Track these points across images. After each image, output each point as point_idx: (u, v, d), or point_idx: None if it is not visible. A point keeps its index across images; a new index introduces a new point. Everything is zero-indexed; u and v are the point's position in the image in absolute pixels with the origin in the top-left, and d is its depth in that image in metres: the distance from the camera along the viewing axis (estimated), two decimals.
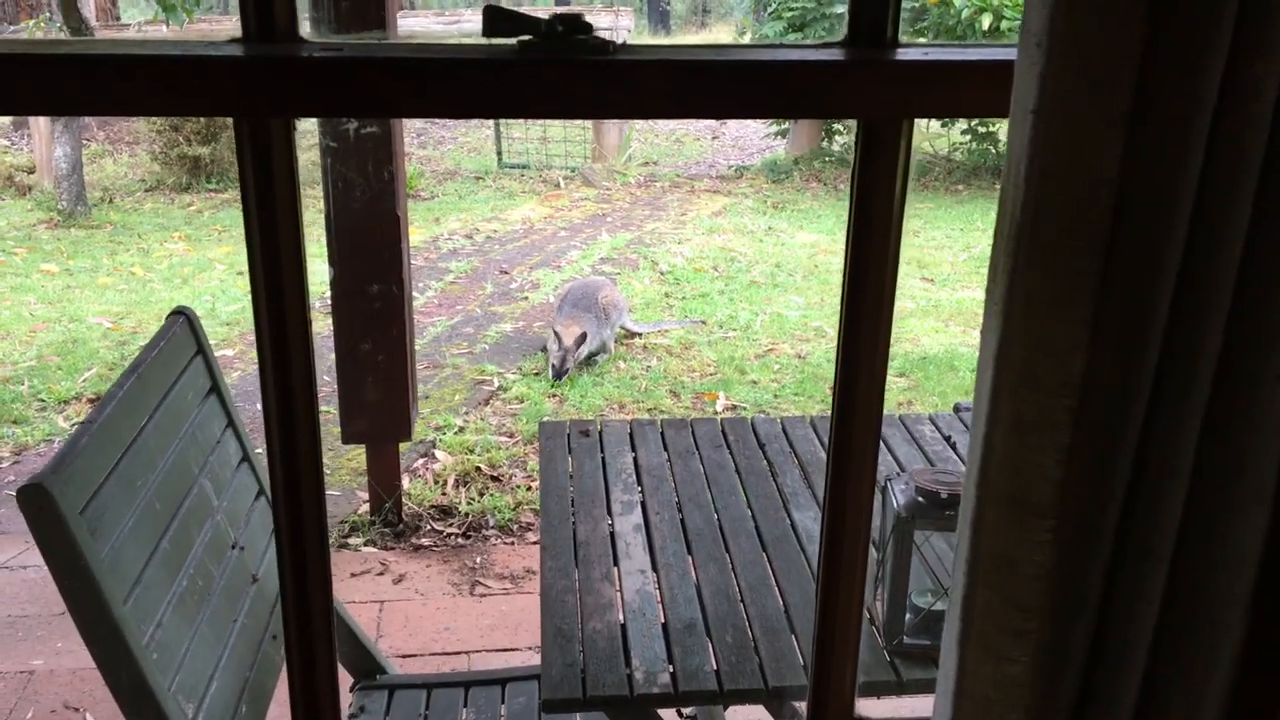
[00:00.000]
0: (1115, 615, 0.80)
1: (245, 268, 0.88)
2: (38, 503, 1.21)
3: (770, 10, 9.74)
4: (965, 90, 0.85)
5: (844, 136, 9.39)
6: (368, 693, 1.89)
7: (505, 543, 3.44)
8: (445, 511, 3.58)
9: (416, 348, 3.93)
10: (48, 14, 7.91)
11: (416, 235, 7.01)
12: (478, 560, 3.32)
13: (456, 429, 4.20)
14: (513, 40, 0.82)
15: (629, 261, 6.68)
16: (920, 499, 1.55)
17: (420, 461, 3.92)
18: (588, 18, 0.84)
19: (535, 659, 2.46)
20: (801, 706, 1.65)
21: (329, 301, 3.22)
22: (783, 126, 9.58)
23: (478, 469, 3.85)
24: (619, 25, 9.72)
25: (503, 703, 1.88)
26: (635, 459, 2.19)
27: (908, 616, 1.59)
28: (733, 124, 11.18)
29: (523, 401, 4.51)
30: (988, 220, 7.51)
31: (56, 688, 2.68)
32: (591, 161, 9.10)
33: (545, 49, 0.82)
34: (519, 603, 3.11)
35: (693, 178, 9.24)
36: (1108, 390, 0.72)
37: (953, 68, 0.84)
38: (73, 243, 6.84)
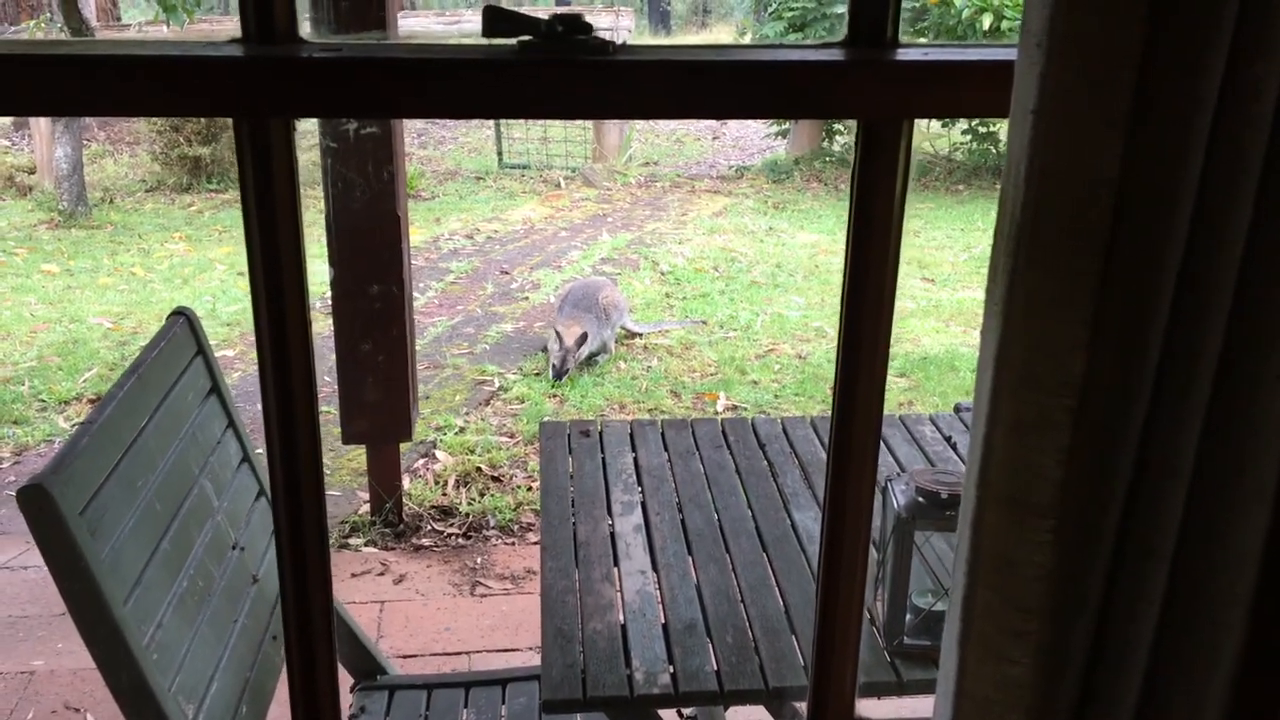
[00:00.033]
0: (1116, 615, 0.80)
1: (245, 268, 0.88)
2: (38, 503, 1.21)
3: (771, 10, 9.74)
4: (965, 90, 0.85)
5: (844, 137, 9.39)
6: (368, 693, 1.89)
7: (506, 543, 3.44)
8: (446, 512, 3.58)
9: (417, 348, 3.93)
10: (48, 14, 7.91)
11: (417, 235, 7.01)
12: (478, 560, 3.32)
13: (457, 429, 4.20)
14: (512, 40, 0.82)
15: (629, 262, 6.68)
16: (921, 499, 1.55)
17: (421, 462, 3.92)
18: (588, 18, 0.84)
19: (536, 659, 2.45)
20: (802, 707, 1.65)
21: (329, 302, 3.22)
22: (783, 127, 9.58)
23: (478, 469, 3.85)
24: (619, 25, 9.72)
25: (503, 703, 1.88)
26: (636, 459, 2.19)
27: (908, 617, 1.59)
28: (733, 124, 11.18)
29: (523, 402, 4.51)
30: (988, 220, 7.50)
31: (57, 688, 2.68)
32: (592, 162, 9.10)
33: (545, 49, 0.82)
34: (519, 603, 3.11)
35: (693, 178, 9.24)
36: (1108, 390, 0.72)
37: (953, 68, 0.84)
38: (73, 243, 6.84)
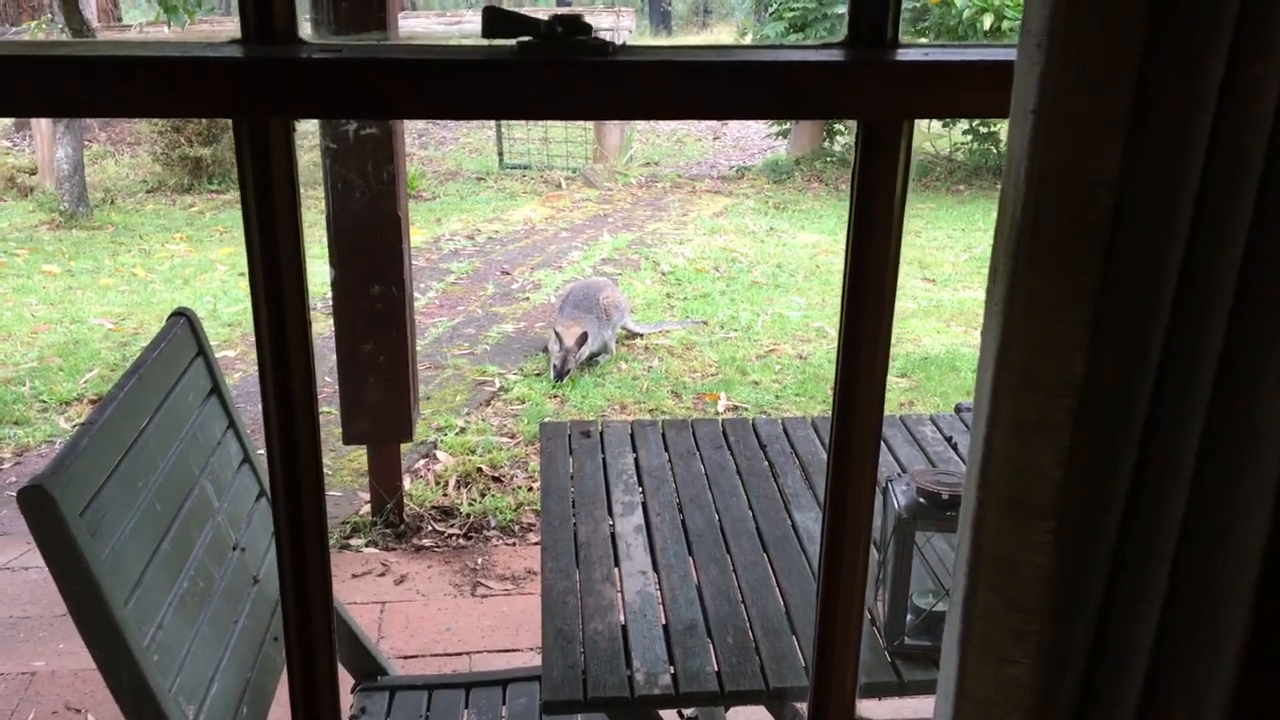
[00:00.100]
0: (1117, 615, 0.80)
1: (246, 269, 0.88)
2: (38, 504, 1.21)
3: (771, 11, 9.74)
4: (965, 90, 0.85)
5: (845, 137, 9.38)
6: (369, 694, 1.89)
7: (506, 543, 3.44)
8: (446, 512, 3.58)
9: (418, 348, 3.93)
10: (49, 15, 7.92)
11: (418, 236, 7.02)
12: (479, 561, 3.32)
13: (458, 430, 4.20)
14: (512, 41, 0.82)
15: (630, 262, 6.68)
16: (921, 500, 1.54)
17: (421, 462, 3.92)
18: (588, 18, 0.84)
19: (536, 660, 2.45)
20: (803, 707, 1.65)
21: (330, 302, 3.22)
22: (784, 127, 9.58)
23: (479, 470, 3.85)
24: (620, 26, 9.72)
25: (504, 704, 1.88)
26: (636, 460, 2.19)
27: (909, 617, 1.59)
28: (734, 124, 11.18)
29: (524, 402, 4.51)
30: (989, 220, 7.50)
31: (58, 689, 2.68)
32: (593, 162, 9.10)
33: (545, 50, 0.82)
34: (520, 604, 3.11)
35: (694, 178, 9.25)
36: (1109, 391, 0.72)
37: (953, 68, 0.84)
38: (74, 244, 6.85)
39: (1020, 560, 0.76)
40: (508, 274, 6.42)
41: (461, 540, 3.44)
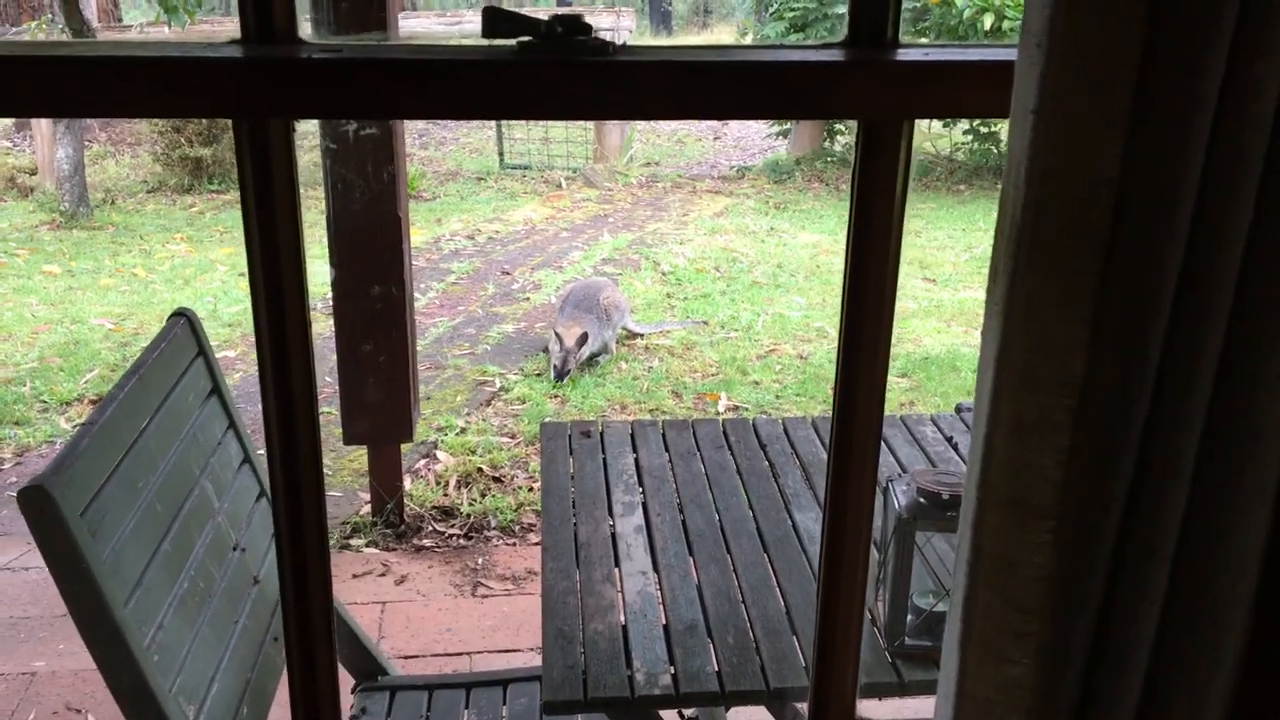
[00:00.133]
0: (1118, 616, 0.80)
1: (246, 269, 0.88)
2: (38, 504, 1.21)
3: (772, 11, 9.74)
4: (965, 90, 0.85)
5: (846, 137, 9.38)
6: (369, 694, 1.89)
7: (507, 544, 3.44)
8: (447, 512, 3.58)
9: (418, 349, 3.93)
10: (49, 15, 7.92)
11: (418, 236, 7.02)
12: (479, 561, 3.32)
13: (458, 430, 4.20)
14: (512, 41, 0.82)
15: (631, 262, 6.68)
16: (922, 500, 1.54)
17: (422, 462, 3.92)
18: (589, 18, 0.84)
19: (537, 660, 2.45)
20: (803, 708, 1.65)
21: (330, 303, 3.22)
22: (784, 127, 9.58)
23: (479, 470, 3.85)
24: (620, 26, 9.72)
25: (504, 704, 1.88)
26: (637, 460, 2.19)
27: (909, 618, 1.59)
28: (734, 124, 11.18)
29: (524, 402, 4.51)
30: (989, 220, 7.50)
31: (58, 689, 2.68)
32: (593, 162, 9.10)
33: (545, 50, 0.82)
34: (520, 604, 3.11)
35: (694, 178, 9.24)
36: (1109, 391, 0.72)
37: (953, 68, 0.84)
38: (75, 244, 6.85)
39: (1020, 560, 0.76)
40: (508, 274, 6.42)
41: (462, 540, 3.44)
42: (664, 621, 1.67)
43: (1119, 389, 0.72)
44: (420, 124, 10.50)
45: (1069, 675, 0.80)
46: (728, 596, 1.73)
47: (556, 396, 4.58)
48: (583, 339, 4.72)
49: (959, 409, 2.46)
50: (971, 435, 0.78)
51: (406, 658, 2.84)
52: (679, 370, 4.88)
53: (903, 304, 5.28)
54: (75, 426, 4.17)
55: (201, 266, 6.41)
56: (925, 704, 1.67)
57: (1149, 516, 0.77)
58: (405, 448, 3.61)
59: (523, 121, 7.64)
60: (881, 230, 0.89)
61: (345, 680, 1.34)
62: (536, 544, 3.38)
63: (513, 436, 4.17)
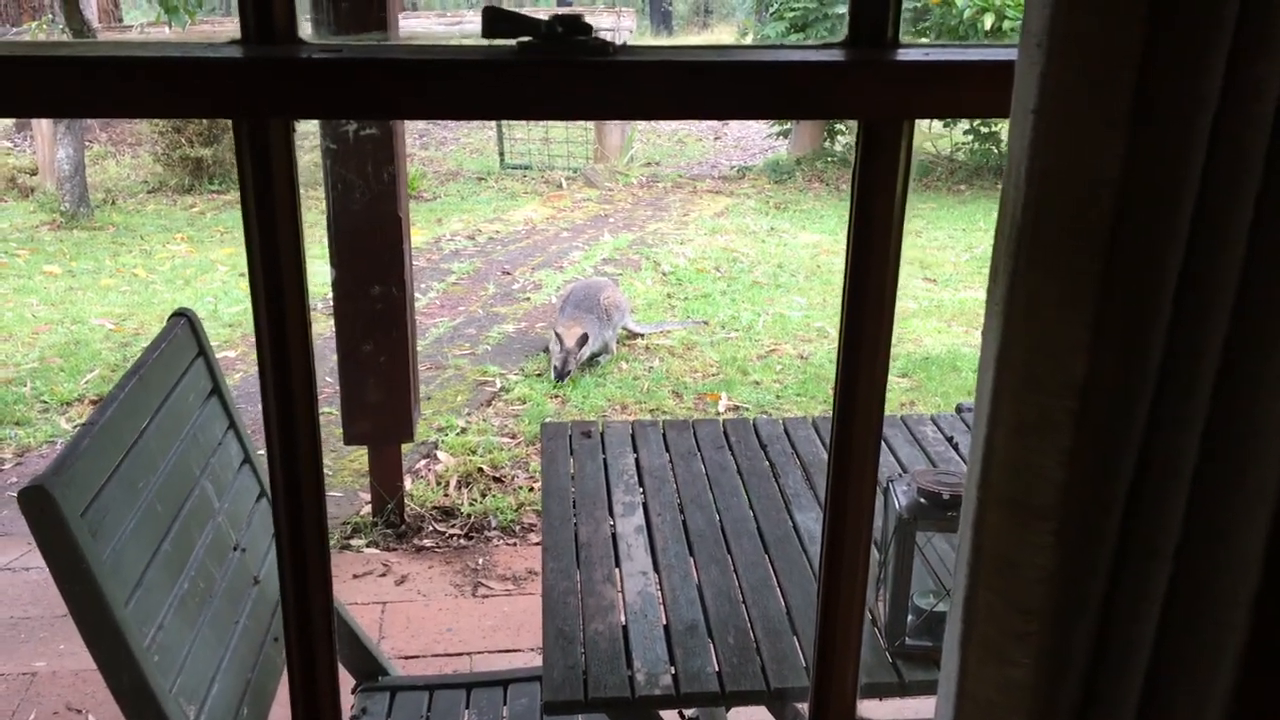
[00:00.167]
0: (1119, 616, 0.80)
1: (246, 269, 0.88)
2: (39, 505, 1.21)
3: (772, 11, 9.74)
4: (966, 90, 0.85)
5: (846, 137, 9.38)
6: (370, 694, 1.89)
7: (507, 544, 3.44)
8: (447, 513, 3.58)
9: (418, 349, 3.93)
10: (50, 15, 7.92)
11: (418, 236, 7.02)
12: (480, 561, 3.32)
13: (458, 430, 4.20)
14: (512, 41, 0.82)
15: (631, 262, 6.68)
16: (922, 500, 1.54)
17: (422, 462, 3.92)
18: (589, 19, 0.84)
19: (537, 660, 2.45)
20: (803, 708, 1.65)
21: (331, 303, 3.22)
22: (785, 127, 9.58)
23: (480, 470, 3.85)
24: (621, 26, 9.73)
25: (505, 704, 1.88)
26: (637, 460, 2.19)
27: (909, 618, 1.59)
28: (735, 124, 11.18)
29: (525, 402, 4.51)
30: (990, 220, 7.49)
31: (59, 689, 2.68)
32: (594, 162, 9.10)
33: (545, 50, 0.81)
34: (521, 604, 3.11)
35: (695, 178, 9.24)
36: (1110, 392, 0.72)
37: (953, 68, 0.84)
38: (75, 244, 6.85)
39: (1021, 561, 0.76)
40: (508, 274, 6.42)
41: (462, 540, 3.44)
42: (664, 622, 1.67)
43: (1120, 389, 0.72)
44: (420, 124, 10.50)
45: (1070, 676, 0.80)
46: (728, 597, 1.73)
47: (557, 396, 4.58)
48: (583, 339, 4.72)
49: (959, 409, 2.46)
50: (972, 435, 0.78)
51: (407, 658, 2.84)
52: (679, 370, 4.88)
53: (903, 304, 5.28)
54: (75, 427, 4.17)
55: (202, 267, 6.41)
56: (925, 704, 1.67)
57: (1150, 517, 0.77)
58: (406, 448, 3.61)
59: (523, 122, 7.64)
60: (882, 230, 0.89)
61: (346, 680, 1.34)
62: (537, 544, 3.38)
63: (513, 436, 4.17)
